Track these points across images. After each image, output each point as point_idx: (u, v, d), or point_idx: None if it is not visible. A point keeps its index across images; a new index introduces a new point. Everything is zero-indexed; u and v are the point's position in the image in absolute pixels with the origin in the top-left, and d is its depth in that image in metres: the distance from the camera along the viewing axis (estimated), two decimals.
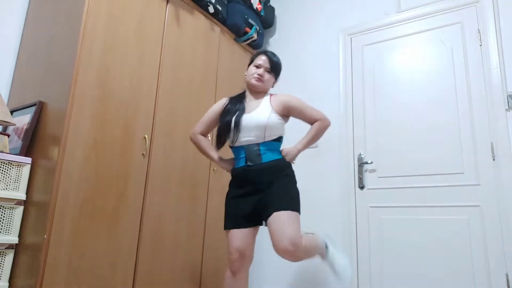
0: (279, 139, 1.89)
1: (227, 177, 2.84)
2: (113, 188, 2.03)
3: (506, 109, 2.30)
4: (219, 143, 1.91)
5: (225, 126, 1.87)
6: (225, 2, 3.00)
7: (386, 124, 2.71)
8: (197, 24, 2.75)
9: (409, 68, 2.71)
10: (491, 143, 2.32)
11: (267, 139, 1.84)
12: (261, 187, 1.79)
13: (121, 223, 2.05)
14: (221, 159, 1.97)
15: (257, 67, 1.94)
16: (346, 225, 2.69)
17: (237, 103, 1.93)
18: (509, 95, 2.30)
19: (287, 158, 1.86)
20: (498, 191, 2.25)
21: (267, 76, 1.93)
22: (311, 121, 1.93)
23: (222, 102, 2.01)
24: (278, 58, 1.98)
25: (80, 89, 1.92)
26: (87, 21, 1.99)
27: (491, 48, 2.42)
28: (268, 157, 1.82)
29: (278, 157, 1.85)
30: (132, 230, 2.11)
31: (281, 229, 1.67)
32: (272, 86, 2.01)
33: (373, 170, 2.69)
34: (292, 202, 1.75)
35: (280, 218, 1.69)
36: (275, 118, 1.85)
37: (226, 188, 2.79)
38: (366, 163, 2.71)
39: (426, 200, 2.45)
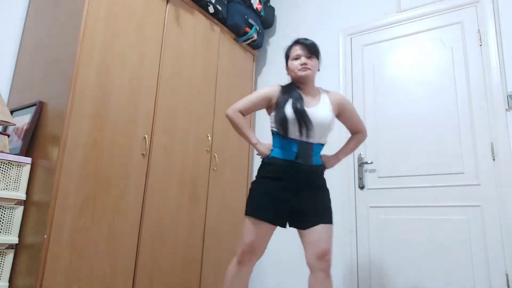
0: (324, 145, 1.82)
1: (227, 177, 2.84)
2: (113, 188, 2.03)
3: (506, 109, 2.30)
4: (286, 130, 1.72)
5: (286, 118, 1.70)
6: (225, 2, 3.00)
7: (386, 124, 2.71)
8: (197, 24, 2.75)
9: (409, 68, 2.71)
10: (491, 143, 2.32)
11: (321, 141, 1.78)
12: (306, 188, 1.71)
13: (121, 223, 2.05)
14: (259, 142, 1.81)
15: (297, 58, 1.81)
16: (346, 225, 2.69)
17: (292, 93, 1.77)
18: (509, 95, 2.30)
19: (327, 166, 1.81)
20: (498, 191, 2.25)
21: (311, 62, 1.80)
22: (355, 130, 1.88)
23: (276, 88, 1.84)
24: (311, 40, 1.86)
25: (80, 89, 1.92)
26: (87, 21, 1.99)
27: (491, 48, 2.42)
28: (316, 160, 1.76)
29: (321, 163, 1.79)
30: (132, 230, 2.11)
31: (322, 241, 1.65)
32: (318, 70, 1.88)
33: (373, 170, 2.69)
34: (331, 215, 1.73)
35: (325, 230, 1.67)
36: (334, 119, 1.79)
37: (226, 188, 2.81)
38: (366, 163, 2.71)
39: (426, 200, 2.45)
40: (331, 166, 1.85)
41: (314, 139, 1.75)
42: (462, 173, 2.37)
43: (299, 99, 1.75)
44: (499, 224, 2.21)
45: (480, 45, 2.48)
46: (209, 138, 2.71)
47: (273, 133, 1.80)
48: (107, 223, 1.99)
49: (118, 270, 2.01)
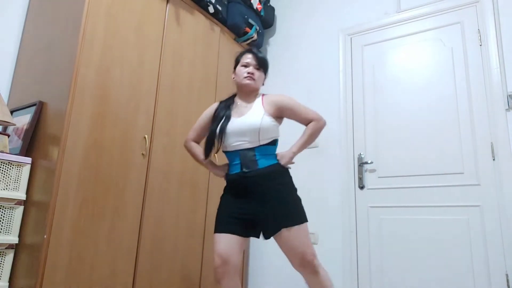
0: (274, 143, 1.80)
1: None
2: (113, 188, 2.03)
3: (506, 109, 2.30)
4: (207, 151, 1.82)
5: (211, 134, 1.80)
6: (225, 2, 3.00)
7: (386, 124, 2.71)
8: (197, 24, 2.75)
9: (409, 68, 2.71)
10: (491, 143, 2.32)
11: (262, 143, 1.74)
12: (258, 195, 1.69)
13: (121, 223, 2.05)
14: (214, 165, 1.89)
15: (245, 66, 1.85)
16: (346, 225, 2.69)
17: (224, 109, 1.84)
18: (509, 95, 2.30)
19: (282, 162, 1.76)
20: (498, 191, 2.25)
21: (257, 73, 1.84)
22: (305, 122, 1.83)
23: (213, 107, 1.92)
24: (263, 54, 1.90)
25: (80, 89, 1.92)
26: (87, 21, 1.99)
27: (491, 48, 2.42)
28: (264, 162, 1.73)
29: (274, 162, 1.75)
30: (132, 230, 2.11)
31: (295, 246, 1.61)
32: (263, 84, 1.92)
33: (373, 170, 2.69)
34: (298, 214, 1.67)
35: (291, 234, 1.62)
36: (269, 121, 1.75)
37: None
38: (366, 163, 2.71)
39: (426, 200, 2.45)
40: (286, 161, 1.77)
41: (252, 145, 1.74)
42: (462, 173, 2.37)
43: (219, 117, 1.81)
44: (499, 224, 2.21)
45: (480, 45, 2.48)
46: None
47: (223, 151, 1.86)
48: (107, 223, 1.99)
49: (118, 270, 2.01)
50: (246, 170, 1.72)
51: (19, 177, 1.85)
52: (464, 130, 2.42)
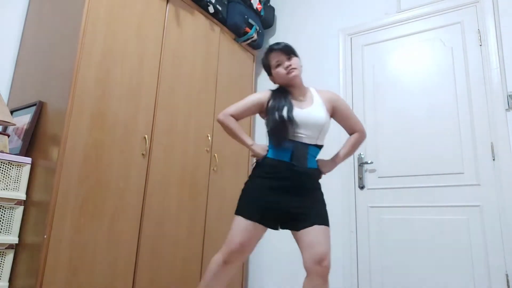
0: (321, 147, 1.77)
1: (227, 177, 2.84)
2: (113, 188, 2.03)
3: (506, 109, 2.30)
4: (281, 138, 1.69)
5: (281, 121, 1.68)
6: (225, 2, 3.00)
7: (386, 124, 2.71)
8: (197, 24, 2.75)
9: (409, 68, 2.71)
10: (491, 143, 2.32)
11: (318, 142, 1.73)
12: (297, 189, 1.66)
13: (121, 223, 2.05)
14: (254, 143, 1.77)
15: (278, 64, 1.78)
16: (346, 225, 2.69)
17: (282, 98, 1.75)
18: (509, 95, 2.30)
19: (324, 170, 1.75)
20: (498, 191, 2.25)
21: (293, 61, 1.76)
22: (352, 130, 1.82)
23: (267, 94, 1.82)
24: (283, 42, 1.82)
25: (80, 89, 1.92)
26: (87, 21, 1.99)
27: (491, 48, 2.42)
28: (312, 163, 1.72)
29: (316, 166, 1.74)
30: (132, 230, 2.11)
31: (319, 244, 1.58)
32: (301, 66, 1.84)
33: (373, 170, 2.69)
34: (327, 218, 1.68)
35: (320, 233, 1.60)
36: (329, 119, 1.73)
37: (226, 188, 2.81)
38: (366, 163, 2.71)
39: (426, 200, 2.45)
40: (328, 171, 1.78)
41: (309, 141, 1.71)
42: (462, 173, 2.37)
43: (288, 104, 1.73)
44: (499, 224, 2.21)
45: (480, 45, 2.48)
46: (209, 138, 2.71)
47: (268, 134, 1.77)
48: (107, 223, 1.99)
49: (118, 270, 2.01)
50: (296, 164, 1.67)
51: (19, 177, 1.85)
52: (464, 130, 2.42)
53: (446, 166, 2.43)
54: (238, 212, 1.67)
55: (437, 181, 2.44)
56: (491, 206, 2.25)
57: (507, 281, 2.12)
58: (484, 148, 2.34)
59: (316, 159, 1.77)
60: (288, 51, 1.78)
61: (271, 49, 1.80)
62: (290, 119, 1.68)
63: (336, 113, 1.81)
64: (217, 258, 1.67)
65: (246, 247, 1.63)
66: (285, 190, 1.66)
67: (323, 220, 1.64)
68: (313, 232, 1.60)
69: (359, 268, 2.58)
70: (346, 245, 2.65)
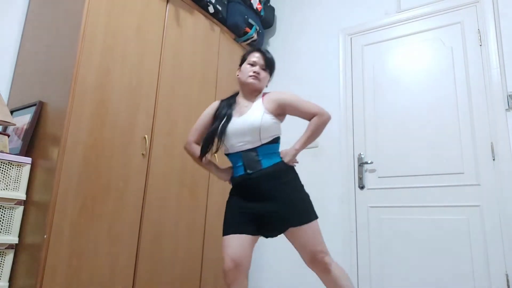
0: (276, 141, 1.75)
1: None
2: (113, 188, 2.03)
3: (506, 109, 2.30)
4: (203, 150, 1.77)
5: (212, 133, 1.75)
6: (225, 2, 3.00)
7: (386, 124, 2.71)
8: (197, 24, 2.75)
9: (409, 68, 2.71)
10: (491, 143, 2.32)
11: (263, 142, 1.70)
12: (264, 195, 1.66)
13: (121, 223, 2.05)
14: (217, 168, 1.84)
15: (252, 64, 1.80)
16: (346, 225, 2.69)
17: (226, 108, 1.80)
18: (509, 95, 2.30)
19: (285, 160, 1.71)
20: (498, 191, 2.25)
21: (263, 74, 1.80)
22: (308, 117, 1.76)
23: (214, 106, 1.87)
24: (271, 55, 1.85)
25: (80, 89, 1.92)
26: (87, 21, 1.99)
27: (491, 48, 2.42)
28: (267, 162, 1.69)
29: (278, 160, 1.72)
30: (132, 230, 2.11)
31: (304, 245, 1.60)
32: (266, 86, 1.88)
33: (373, 170, 2.69)
34: (306, 212, 1.65)
35: (300, 233, 1.61)
36: (269, 119, 1.71)
37: (226, 188, 2.80)
38: (366, 163, 2.71)
39: (426, 200, 2.45)
40: (289, 159, 1.72)
41: (253, 145, 1.70)
42: (462, 173, 2.37)
43: (220, 117, 1.76)
44: (499, 224, 2.21)
45: (480, 45, 2.48)
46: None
47: (225, 154, 1.81)
48: (107, 223, 1.99)
49: (118, 270, 2.01)
50: (250, 172, 1.68)
51: (19, 177, 1.85)
52: (464, 130, 2.42)
53: (446, 166, 2.43)
54: (223, 232, 1.69)
55: (437, 181, 2.44)
56: (491, 206, 2.25)
57: (507, 281, 2.12)
58: (484, 148, 2.34)
59: (280, 150, 1.77)
60: (268, 64, 1.82)
61: (259, 49, 1.84)
62: (222, 132, 1.72)
63: (285, 108, 1.77)
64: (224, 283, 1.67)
65: (238, 261, 1.60)
66: (253, 199, 1.67)
67: (297, 219, 1.63)
68: (292, 236, 1.63)
69: (359, 268, 2.58)
70: (346, 245, 2.65)
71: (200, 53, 2.74)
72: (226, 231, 1.66)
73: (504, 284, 2.12)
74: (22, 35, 2.36)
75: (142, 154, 2.21)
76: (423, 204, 2.45)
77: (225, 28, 3.03)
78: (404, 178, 2.55)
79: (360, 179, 2.71)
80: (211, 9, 2.81)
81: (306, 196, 1.70)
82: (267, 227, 1.67)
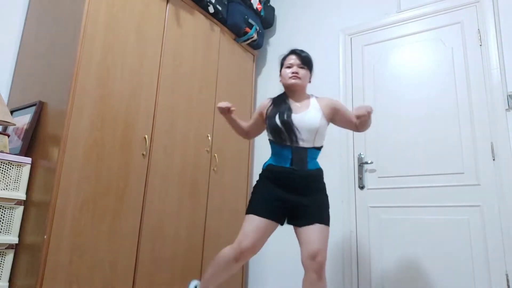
0: (320, 148, 1.87)
1: (227, 177, 2.84)
2: (113, 188, 2.03)
3: (506, 109, 2.30)
4: (280, 141, 1.82)
5: (276, 128, 1.81)
6: (225, 2, 3.00)
7: (386, 124, 2.71)
8: (197, 24, 2.75)
9: (409, 68, 2.71)
10: (491, 143, 2.32)
11: (315, 145, 1.82)
12: (301, 189, 1.77)
13: (121, 223, 2.05)
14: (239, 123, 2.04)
15: (289, 67, 1.90)
16: (346, 225, 2.69)
17: (281, 103, 1.88)
18: (509, 95, 2.30)
19: (361, 110, 1.69)
20: (498, 191, 2.25)
21: (302, 72, 1.88)
22: (352, 126, 1.89)
23: (266, 102, 1.97)
24: (306, 53, 1.94)
25: (80, 89, 1.92)
26: (87, 21, 1.99)
27: (491, 48, 2.42)
28: (312, 165, 1.81)
29: (319, 166, 1.85)
30: (132, 230, 2.11)
31: (316, 241, 1.68)
32: (309, 81, 1.95)
33: (373, 170, 2.69)
34: (328, 217, 1.77)
35: (319, 231, 1.70)
36: (325, 123, 1.83)
37: (226, 188, 2.81)
38: (366, 163, 2.71)
39: (426, 200, 2.45)
40: (365, 108, 1.71)
41: (307, 144, 1.80)
42: (462, 173, 2.37)
43: (287, 109, 1.84)
44: (499, 224, 2.21)
45: (480, 45, 2.48)
46: (209, 138, 2.71)
47: (269, 141, 1.90)
48: (107, 223, 1.99)
49: (118, 270, 2.01)
50: (296, 168, 1.77)
51: (19, 177, 1.85)
52: (464, 130, 2.42)
53: (446, 166, 2.43)
54: (250, 210, 1.77)
55: (437, 181, 2.44)
56: (491, 206, 2.25)
57: (507, 281, 2.12)
58: (484, 148, 2.34)
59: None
60: (304, 61, 1.90)
61: (293, 51, 1.93)
62: (289, 123, 1.78)
63: (337, 114, 1.89)
64: (228, 254, 1.74)
65: (258, 246, 1.72)
66: (290, 189, 1.77)
67: (324, 220, 1.74)
68: (312, 229, 1.70)
69: (359, 268, 2.58)
70: (346, 245, 2.65)
71: (200, 53, 2.74)
72: (255, 211, 1.75)
73: (504, 284, 2.12)
74: (22, 35, 2.36)
75: (142, 154, 2.21)
76: (423, 204, 2.45)
77: (225, 28, 3.03)
78: (404, 178, 2.55)
79: (360, 179, 2.71)
80: (211, 9, 2.81)
81: (329, 204, 1.83)
82: (297, 216, 1.76)
